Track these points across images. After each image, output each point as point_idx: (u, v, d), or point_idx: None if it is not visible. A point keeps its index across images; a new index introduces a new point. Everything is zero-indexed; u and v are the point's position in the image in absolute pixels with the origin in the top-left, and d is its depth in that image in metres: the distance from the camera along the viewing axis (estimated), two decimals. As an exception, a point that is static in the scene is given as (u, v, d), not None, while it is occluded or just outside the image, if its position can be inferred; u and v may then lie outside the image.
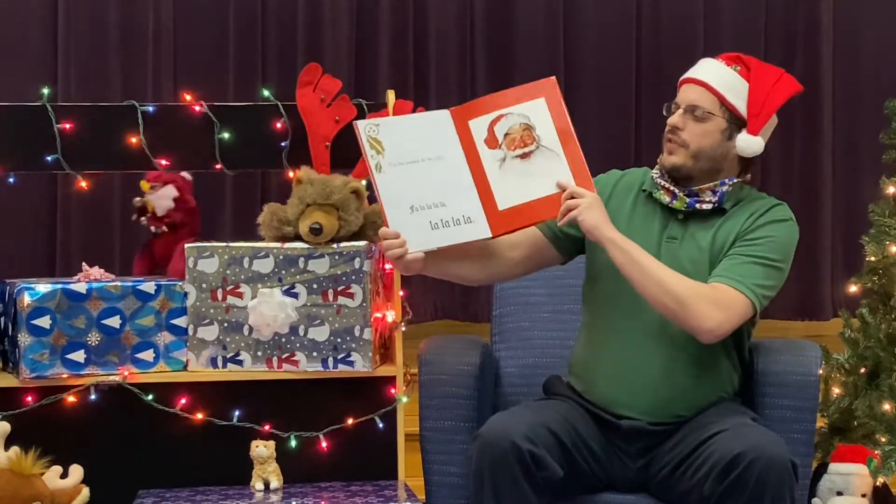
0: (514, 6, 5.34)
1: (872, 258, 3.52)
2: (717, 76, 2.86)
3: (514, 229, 2.82)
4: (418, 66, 5.25)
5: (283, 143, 3.35)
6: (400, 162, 2.80)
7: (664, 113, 2.90)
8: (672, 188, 2.86)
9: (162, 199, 3.36)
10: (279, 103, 3.35)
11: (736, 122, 2.84)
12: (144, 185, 3.39)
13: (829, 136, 5.53)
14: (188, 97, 3.37)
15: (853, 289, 3.60)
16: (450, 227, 2.79)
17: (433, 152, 2.81)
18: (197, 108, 3.34)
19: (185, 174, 3.43)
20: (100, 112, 3.35)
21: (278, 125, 3.35)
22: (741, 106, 2.84)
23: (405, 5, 5.27)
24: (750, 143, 2.83)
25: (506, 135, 2.80)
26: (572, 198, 2.73)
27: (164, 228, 3.40)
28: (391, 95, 3.32)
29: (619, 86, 5.38)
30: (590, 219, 2.73)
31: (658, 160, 2.93)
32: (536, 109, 2.80)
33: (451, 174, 2.79)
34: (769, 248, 2.80)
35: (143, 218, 3.40)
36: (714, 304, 2.72)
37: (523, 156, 2.79)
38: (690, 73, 2.90)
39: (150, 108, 3.33)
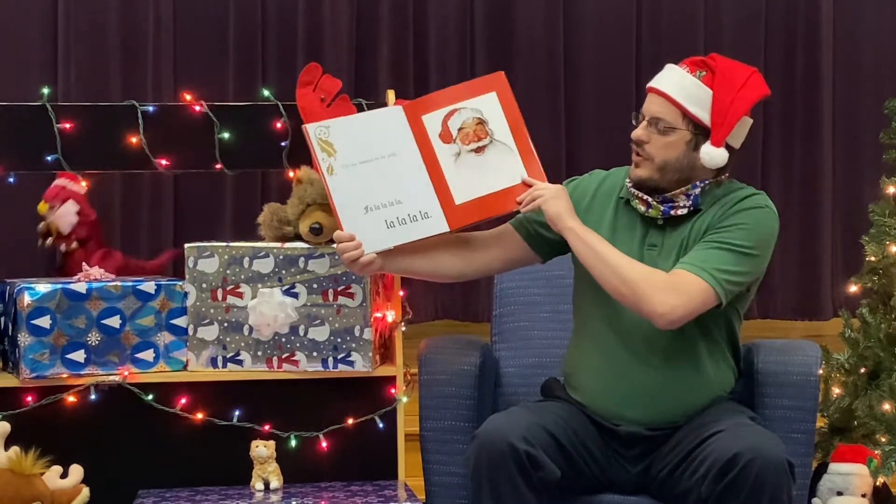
0: (514, 6, 5.34)
1: (872, 258, 3.52)
2: (678, 86, 2.81)
3: (470, 222, 2.85)
4: (418, 66, 5.24)
5: (283, 143, 3.35)
6: (352, 162, 2.83)
7: (633, 122, 2.86)
8: (645, 197, 2.84)
9: (65, 216, 3.37)
10: (279, 103, 3.35)
11: (702, 132, 2.80)
12: (42, 206, 3.39)
13: (829, 136, 5.52)
14: (188, 97, 3.37)
15: (853, 289, 3.60)
16: (406, 224, 2.82)
17: (387, 149, 2.84)
18: (197, 107, 3.34)
19: (79, 186, 3.42)
20: (100, 112, 3.34)
21: (278, 125, 3.34)
22: (704, 116, 2.79)
23: (405, 5, 5.26)
24: (713, 156, 2.78)
25: (459, 129, 2.84)
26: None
27: (75, 244, 3.39)
28: (391, 95, 3.32)
29: (619, 86, 5.37)
30: (553, 207, 2.77)
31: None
32: (488, 104, 2.85)
33: (406, 170, 2.83)
34: (738, 234, 2.75)
35: (48, 240, 3.39)
36: (668, 289, 2.69)
37: (477, 150, 2.84)
38: (654, 82, 2.86)
39: (150, 108, 3.33)
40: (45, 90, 3.33)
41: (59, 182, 3.43)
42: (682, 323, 2.72)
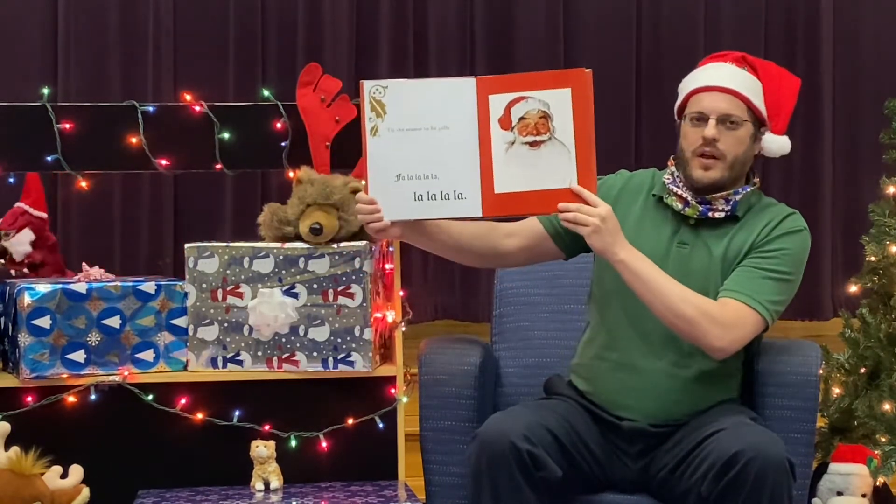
0: (514, 6, 5.35)
1: (872, 258, 3.52)
2: (739, 80, 2.82)
3: (504, 214, 2.77)
4: (418, 67, 5.25)
5: (283, 143, 3.34)
6: (399, 128, 2.75)
7: (690, 126, 2.81)
8: (685, 195, 2.84)
9: (18, 245, 3.37)
10: (279, 103, 3.35)
11: (758, 124, 2.83)
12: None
13: (830, 136, 5.53)
14: (188, 97, 3.37)
15: (853, 289, 3.60)
16: (436, 200, 2.74)
17: (442, 121, 2.74)
18: (197, 108, 3.34)
19: (40, 213, 3.42)
20: (100, 112, 3.34)
21: (278, 125, 3.34)
22: (762, 107, 2.83)
23: (405, 5, 5.27)
24: (779, 144, 2.83)
25: (521, 119, 2.71)
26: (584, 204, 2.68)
27: (26, 270, 3.40)
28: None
29: (619, 86, 5.38)
30: (598, 242, 2.68)
31: (669, 164, 2.91)
32: (560, 99, 2.70)
33: (455, 146, 2.73)
34: (783, 261, 2.79)
35: (1, 261, 3.40)
36: (724, 323, 2.71)
37: (533, 144, 2.71)
38: (710, 82, 2.83)
39: (151, 108, 3.33)
40: (45, 90, 3.32)
41: (18, 206, 3.43)
42: (736, 352, 2.78)
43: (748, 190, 2.85)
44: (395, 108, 2.75)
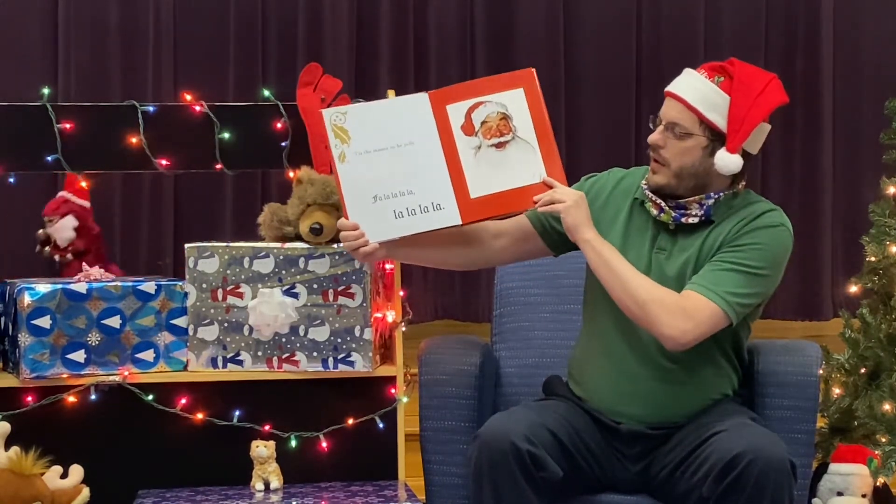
0: (514, 6, 5.34)
1: (873, 258, 3.52)
2: (696, 92, 2.79)
3: (484, 218, 2.81)
4: (418, 67, 5.24)
5: (283, 143, 3.35)
6: (366, 150, 2.79)
7: (650, 125, 2.86)
8: (658, 201, 2.84)
9: (62, 230, 3.38)
10: (279, 103, 3.35)
11: (718, 138, 2.78)
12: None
13: (830, 137, 5.52)
14: (188, 97, 3.37)
15: (853, 289, 3.60)
16: (416, 215, 2.78)
17: (405, 138, 2.79)
18: (197, 108, 3.34)
19: (83, 202, 3.43)
20: (100, 112, 3.35)
21: (278, 125, 3.34)
22: (721, 122, 2.77)
23: (405, 5, 5.27)
24: (727, 162, 2.76)
25: (482, 122, 2.79)
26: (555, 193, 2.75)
27: (70, 257, 3.40)
28: (391, 95, 3.32)
29: (619, 86, 5.37)
30: (572, 217, 2.74)
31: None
32: (515, 100, 2.79)
33: (423, 160, 2.78)
34: (752, 255, 2.75)
35: (46, 248, 3.41)
36: (679, 312, 2.70)
37: (498, 145, 2.79)
38: (671, 87, 2.84)
39: (151, 108, 3.33)
40: (46, 90, 3.33)
41: (62, 194, 3.44)
42: (692, 345, 2.73)
43: (722, 195, 2.82)
44: (357, 132, 2.80)
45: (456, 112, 2.79)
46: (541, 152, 2.78)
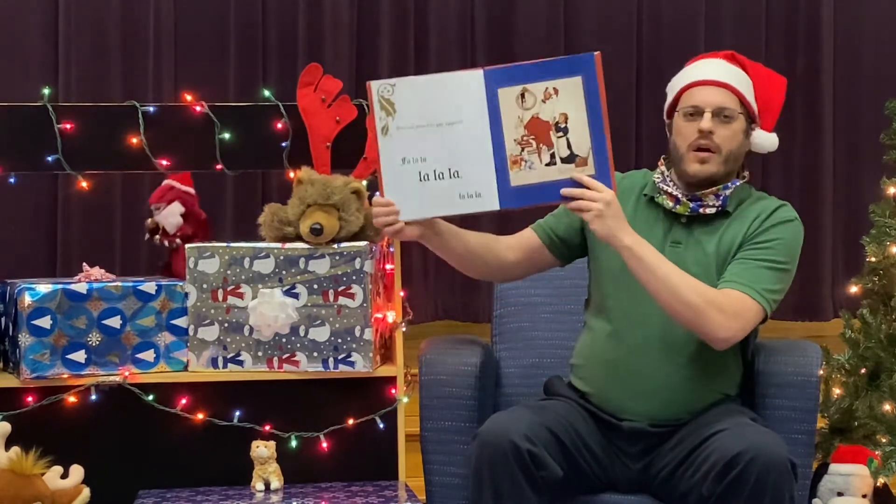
0: (515, 6, 5.34)
1: (873, 259, 3.52)
2: (732, 75, 2.84)
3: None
4: (419, 67, 5.25)
5: (283, 144, 3.34)
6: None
7: (683, 121, 2.82)
8: (676, 193, 2.84)
9: (169, 217, 3.38)
10: (280, 104, 3.35)
11: (749, 120, 2.85)
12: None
13: (830, 137, 5.53)
14: (189, 97, 3.37)
15: (854, 289, 3.60)
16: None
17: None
18: (198, 108, 3.34)
19: (188, 188, 3.44)
20: (100, 112, 3.35)
21: (279, 125, 3.34)
22: (754, 103, 2.85)
23: (406, 5, 5.27)
24: (767, 140, 2.86)
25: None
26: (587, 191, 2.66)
27: (178, 241, 3.40)
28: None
29: (619, 86, 5.37)
30: (601, 227, 2.66)
31: (659, 164, 2.92)
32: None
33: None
34: (777, 251, 2.78)
35: (156, 237, 3.42)
36: (727, 312, 2.70)
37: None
38: (704, 76, 2.85)
39: (151, 109, 3.33)
40: (46, 90, 3.32)
41: (167, 182, 3.44)
42: (737, 343, 2.77)
43: (738, 184, 2.85)
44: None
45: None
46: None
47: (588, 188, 2.65)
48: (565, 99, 2.67)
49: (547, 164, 2.67)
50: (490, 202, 2.69)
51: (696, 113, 2.82)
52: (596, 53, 2.69)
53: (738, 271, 2.77)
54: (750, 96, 2.85)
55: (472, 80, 2.71)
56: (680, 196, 2.83)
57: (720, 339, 2.72)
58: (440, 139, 2.70)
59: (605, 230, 2.67)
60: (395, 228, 2.71)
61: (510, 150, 2.68)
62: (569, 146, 2.67)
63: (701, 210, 2.83)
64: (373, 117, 2.72)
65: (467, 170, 2.69)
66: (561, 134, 2.67)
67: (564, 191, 2.66)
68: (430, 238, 2.81)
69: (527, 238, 2.95)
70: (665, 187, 2.85)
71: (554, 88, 2.67)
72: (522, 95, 2.69)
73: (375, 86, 2.72)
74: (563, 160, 2.67)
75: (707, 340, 2.74)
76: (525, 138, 2.68)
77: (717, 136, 2.80)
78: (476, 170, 2.69)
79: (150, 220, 3.43)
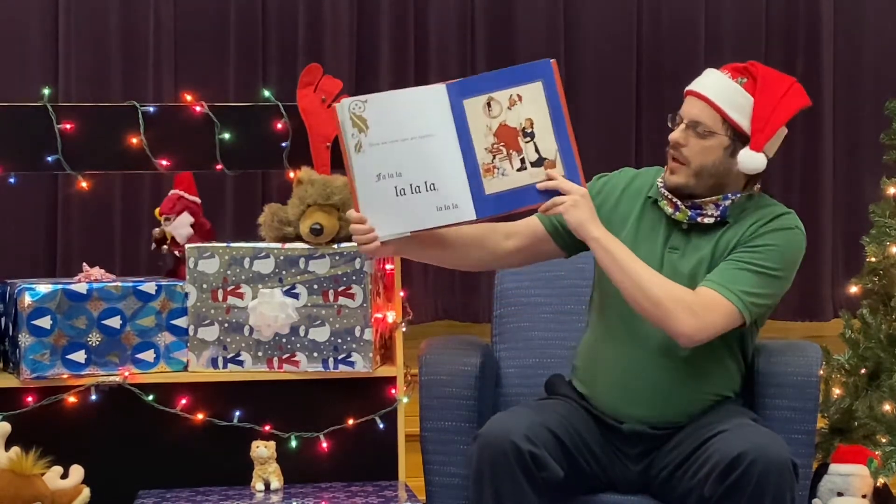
0: (515, 6, 5.35)
1: (873, 259, 3.52)
2: (720, 91, 2.78)
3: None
4: (418, 67, 5.25)
5: (283, 144, 3.35)
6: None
7: (668, 124, 2.83)
8: (674, 200, 2.83)
9: (180, 227, 3.38)
10: (280, 104, 3.35)
11: (739, 139, 2.77)
12: (158, 215, 3.42)
13: (830, 137, 5.53)
14: (189, 97, 3.37)
15: (854, 289, 3.60)
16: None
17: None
18: (198, 108, 3.34)
19: (195, 198, 3.44)
20: (100, 112, 3.35)
21: (279, 125, 3.34)
22: (744, 122, 2.76)
23: (406, 6, 5.27)
24: (752, 160, 2.76)
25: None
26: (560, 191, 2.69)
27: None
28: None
29: (619, 86, 5.38)
30: (574, 217, 2.69)
31: (665, 167, 2.92)
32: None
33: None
34: (767, 255, 2.75)
35: (163, 246, 3.41)
36: (692, 308, 2.68)
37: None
38: (694, 85, 2.83)
39: (151, 109, 3.33)
40: (46, 90, 3.33)
41: (174, 192, 3.44)
42: (704, 342, 2.73)
43: (739, 196, 2.82)
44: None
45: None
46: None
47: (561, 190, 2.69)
48: (529, 104, 2.71)
49: (518, 170, 2.70)
50: (467, 213, 2.70)
51: (680, 121, 2.82)
52: (552, 60, 2.75)
53: (718, 271, 2.75)
54: (740, 115, 2.77)
55: (437, 95, 2.73)
56: (679, 203, 2.83)
57: (681, 333, 2.70)
58: (414, 153, 2.70)
59: (576, 220, 2.70)
60: (372, 247, 2.71)
61: (482, 159, 2.70)
62: (536, 150, 2.70)
63: (699, 219, 2.82)
64: (342, 136, 2.71)
65: (443, 182, 2.70)
66: (528, 139, 2.71)
67: (541, 184, 2.69)
68: (409, 251, 2.83)
69: (531, 226, 2.93)
70: (666, 192, 2.85)
71: (518, 95, 2.71)
72: (489, 104, 2.71)
73: (347, 103, 2.72)
74: (533, 164, 2.70)
75: (673, 337, 2.71)
76: (495, 146, 2.71)
77: (688, 148, 2.78)
78: (451, 182, 2.70)
79: (157, 230, 3.43)
